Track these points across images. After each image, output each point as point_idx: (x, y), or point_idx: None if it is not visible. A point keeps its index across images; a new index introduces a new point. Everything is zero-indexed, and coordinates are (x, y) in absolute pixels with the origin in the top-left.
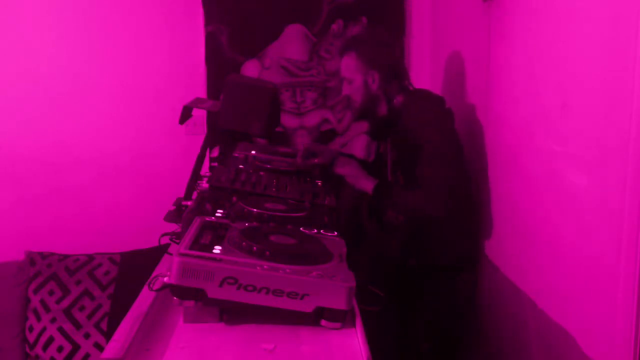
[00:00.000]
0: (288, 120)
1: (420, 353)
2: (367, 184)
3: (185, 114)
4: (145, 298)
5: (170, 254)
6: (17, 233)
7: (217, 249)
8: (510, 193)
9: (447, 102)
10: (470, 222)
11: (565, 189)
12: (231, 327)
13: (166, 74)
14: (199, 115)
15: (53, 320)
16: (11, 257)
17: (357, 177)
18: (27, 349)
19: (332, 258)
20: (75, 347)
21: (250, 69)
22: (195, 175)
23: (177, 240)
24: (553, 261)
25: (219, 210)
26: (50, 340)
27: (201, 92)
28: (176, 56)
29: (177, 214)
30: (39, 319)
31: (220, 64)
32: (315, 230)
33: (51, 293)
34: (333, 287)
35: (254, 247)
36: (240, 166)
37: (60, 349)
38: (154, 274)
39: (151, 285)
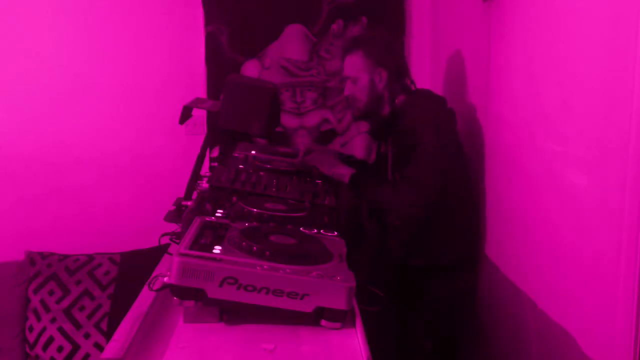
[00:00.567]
0: (288, 120)
1: (420, 353)
2: (343, 171)
3: (185, 114)
4: (145, 298)
5: (170, 254)
6: (17, 233)
7: (217, 249)
8: (510, 193)
9: (447, 102)
10: (470, 222)
11: (565, 189)
12: (231, 327)
13: (166, 74)
14: (199, 115)
15: (53, 320)
16: (11, 257)
17: (331, 165)
18: (27, 349)
19: (332, 258)
20: (75, 347)
21: (250, 69)
22: (195, 175)
23: (177, 240)
24: (553, 261)
25: (219, 210)
26: (50, 340)
27: (201, 92)
28: (176, 56)
29: (177, 214)
30: (39, 319)
31: (220, 64)
32: (315, 230)
33: (51, 293)
34: (333, 287)
35: (254, 247)
36: (240, 166)
37: (60, 349)
38: (154, 274)
39: (151, 285)
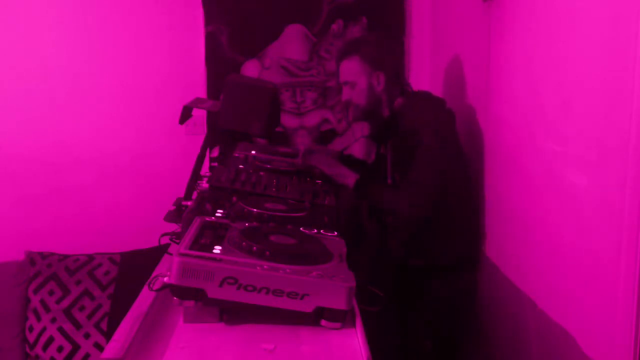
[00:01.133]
0: (288, 120)
1: (420, 353)
2: (345, 173)
3: (185, 114)
4: (145, 298)
5: (170, 254)
6: (17, 233)
7: (217, 249)
8: (510, 193)
9: (447, 102)
10: (470, 222)
11: (565, 189)
12: (231, 327)
13: (166, 74)
14: (199, 115)
15: (53, 320)
16: (11, 257)
17: (332, 165)
18: (27, 349)
19: (332, 258)
20: (75, 347)
21: (250, 69)
22: (195, 175)
23: (177, 240)
24: (553, 261)
25: (219, 210)
26: (50, 340)
27: (201, 92)
28: (176, 56)
29: (177, 214)
30: (39, 319)
31: (220, 64)
32: (315, 230)
33: (51, 293)
34: (333, 287)
35: (254, 247)
36: (240, 166)
37: (60, 349)
38: (154, 274)
39: (151, 285)
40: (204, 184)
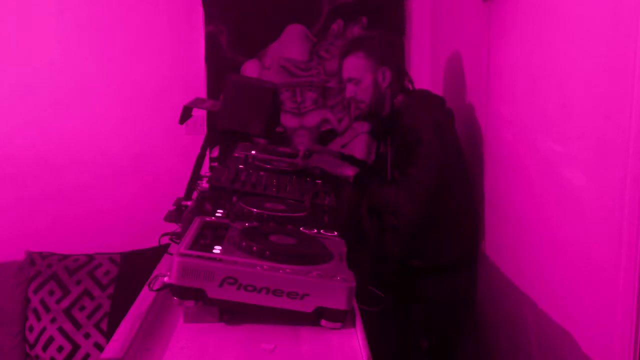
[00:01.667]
0: (288, 120)
1: (420, 353)
2: (347, 170)
3: (185, 114)
4: (145, 298)
5: (170, 254)
6: (17, 233)
7: (217, 249)
8: (509, 192)
9: (446, 102)
10: (470, 222)
11: (565, 189)
12: (231, 327)
13: (166, 74)
14: (199, 115)
15: (53, 320)
16: (11, 257)
17: (334, 165)
18: (27, 349)
19: (332, 258)
20: (75, 347)
21: (250, 69)
22: (195, 175)
23: (177, 240)
24: (552, 261)
25: (219, 210)
26: (50, 340)
27: (201, 92)
28: (176, 56)
29: (177, 214)
30: (39, 319)
31: (220, 64)
32: (315, 230)
33: (51, 293)
34: (333, 287)
35: (254, 247)
36: (240, 166)
37: (60, 349)
38: (154, 274)
39: (151, 285)
40: (204, 184)
